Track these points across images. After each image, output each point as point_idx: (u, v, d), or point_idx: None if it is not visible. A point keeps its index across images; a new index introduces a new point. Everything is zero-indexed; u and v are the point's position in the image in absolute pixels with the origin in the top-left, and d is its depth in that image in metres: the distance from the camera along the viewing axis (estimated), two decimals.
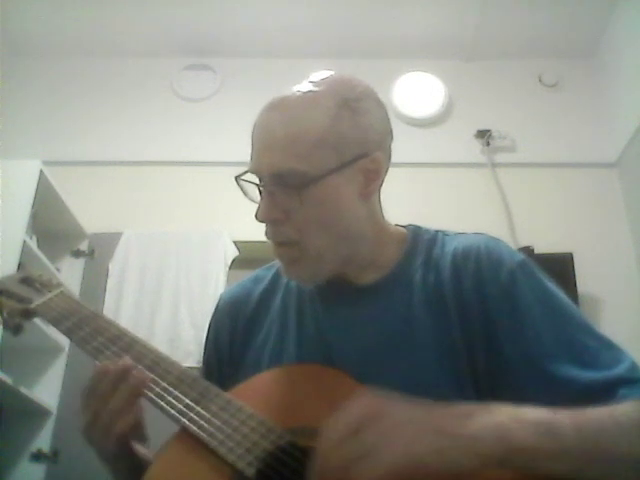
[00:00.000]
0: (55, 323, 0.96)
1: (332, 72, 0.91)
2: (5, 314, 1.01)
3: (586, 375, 0.74)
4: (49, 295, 1.02)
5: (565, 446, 0.62)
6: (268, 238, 0.87)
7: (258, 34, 3.24)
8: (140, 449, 0.88)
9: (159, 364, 0.87)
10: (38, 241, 2.50)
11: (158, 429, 0.92)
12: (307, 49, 3.22)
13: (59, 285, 1.07)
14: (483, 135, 3.13)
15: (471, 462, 0.60)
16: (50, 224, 2.61)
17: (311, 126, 0.83)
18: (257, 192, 0.87)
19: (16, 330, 1.01)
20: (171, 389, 0.84)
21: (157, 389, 0.84)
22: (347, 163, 0.84)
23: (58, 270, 2.59)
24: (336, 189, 0.84)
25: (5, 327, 1.01)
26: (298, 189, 0.82)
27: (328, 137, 0.83)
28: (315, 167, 0.82)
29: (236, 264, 2.76)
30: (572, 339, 0.79)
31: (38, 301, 1.01)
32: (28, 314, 1.01)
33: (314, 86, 0.87)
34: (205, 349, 1.02)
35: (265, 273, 1.00)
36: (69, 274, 2.69)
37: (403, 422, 0.61)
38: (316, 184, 0.82)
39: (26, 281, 1.06)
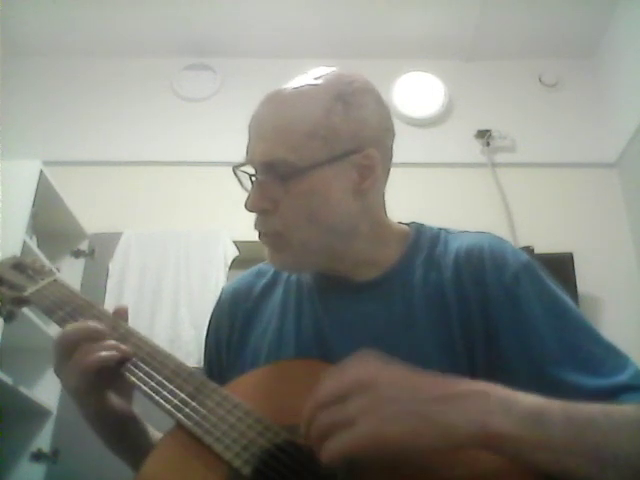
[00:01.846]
0: (48, 312, 0.92)
1: (334, 68, 0.90)
2: None
3: (590, 382, 0.73)
4: (42, 283, 0.98)
5: (551, 436, 0.61)
6: (255, 228, 0.87)
7: (258, 34, 3.24)
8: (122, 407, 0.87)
9: (155, 357, 0.86)
10: (38, 241, 2.49)
11: (153, 424, 0.92)
12: (307, 49, 3.22)
13: (52, 273, 1.02)
14: (483, 135, 3.13)
15: (443, 446, 0.61)
16: (50, 224, 2.60)
17: (302, 117, 0.83)
18: (250, 183, 0.87)
19: (9, 317, 0.97)
20: (166, 383, 0.82)
21: (152, 383, 0.82)
22: (338, 157, 0.83)
23: (58, 270, 2.59)
24: (324, 182, 0.83)
25: None
26: (284, 179, 0.82)
27: (319, 129, 0.82)
28: (303, 158, 0.82)
29: (236, 264, 2.75)
30: (576, 344, 0.77)
31: (31, 289, 0.96)
32: (21, 302, 0.97)
33: (313, 80, 0.86)
34: (206, 344, 1.01)
35: (268, 267, 1.00)
36: (69, 274, 2.68)
37: (388, 399, 0.62)
38: (303, 175, 0.82)
39: (18, 267, 1.02)
